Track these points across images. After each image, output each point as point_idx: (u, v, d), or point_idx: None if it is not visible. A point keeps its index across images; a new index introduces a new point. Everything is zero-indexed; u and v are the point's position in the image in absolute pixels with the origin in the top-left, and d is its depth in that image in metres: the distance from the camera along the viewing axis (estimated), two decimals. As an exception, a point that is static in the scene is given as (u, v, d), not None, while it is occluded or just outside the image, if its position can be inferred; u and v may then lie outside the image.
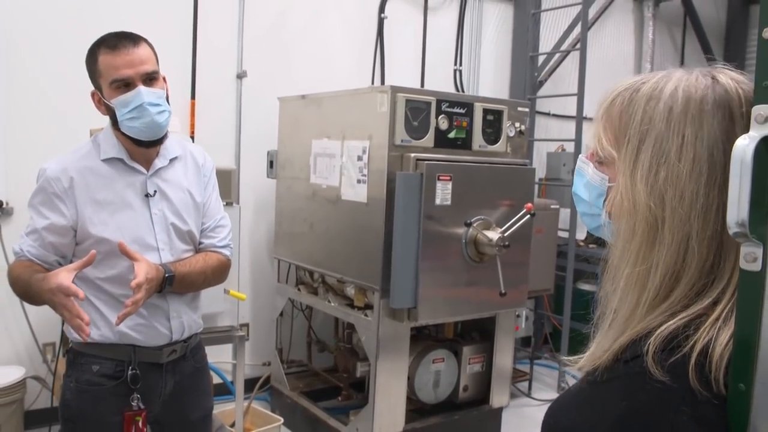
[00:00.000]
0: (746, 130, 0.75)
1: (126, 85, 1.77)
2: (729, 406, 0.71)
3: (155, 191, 1.89)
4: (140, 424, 1.84)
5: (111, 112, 1.82)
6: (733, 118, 0.78)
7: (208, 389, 2.14)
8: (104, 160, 1.85)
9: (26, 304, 3.46)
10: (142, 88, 1.77)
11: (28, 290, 1.76)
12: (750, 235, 0.67)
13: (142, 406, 1.85)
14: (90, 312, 1.81)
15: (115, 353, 1.85)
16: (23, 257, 1.84)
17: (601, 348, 0.83)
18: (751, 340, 0.69)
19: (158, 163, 1.91)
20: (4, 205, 3.45)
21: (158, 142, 1.87)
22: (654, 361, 0.73)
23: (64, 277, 1.60)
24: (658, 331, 0.76)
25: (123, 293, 1.80)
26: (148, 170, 1.89)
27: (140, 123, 1.79)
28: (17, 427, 3.29)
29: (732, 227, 0.68)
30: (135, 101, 1.77)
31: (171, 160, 1.95)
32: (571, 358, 0.87)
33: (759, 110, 0.67)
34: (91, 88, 1.86)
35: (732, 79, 0.81)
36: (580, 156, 0.95)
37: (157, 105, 1.80)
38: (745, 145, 0.67)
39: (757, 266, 0.68)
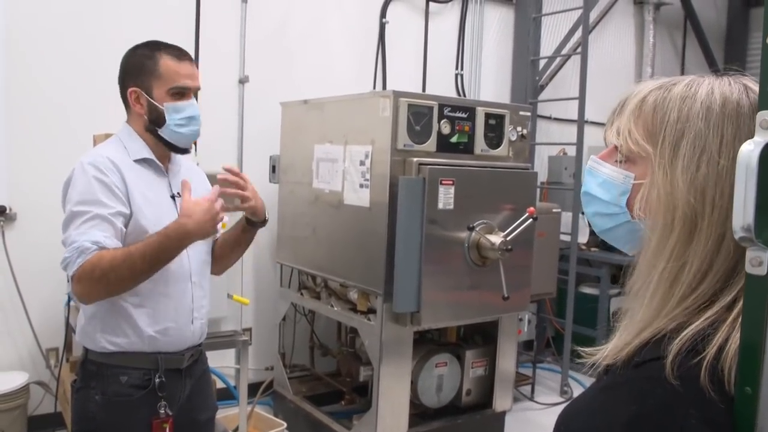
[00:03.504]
0: None
1: (181, 94, 1.85)
2: (736, 409, 0.71)
3: (178, 193, 1.93)
4: (167, 430, 1.84)
5: (153, 115, 1.85)
6: None
7: (213, 390, 2.18)
8: (135, 161, 1.86)
9: (30, 309, 3.48)
10: (195, 102, 1.89)
11: (148, 260, 1.70)
12: (755, 239, 0.68)
13: (170, 413, 1.86)
14: (119, 318, 1.82)
15: (142, 362, 1.84)
16: (94, 251, 1.67)
17: (622, 341, 0.82)
18: (757, 343, 0.69)
19: (173, 166, 1.97)
20: (8, 210, 3.46)
21: (187, 151, 1.96)
22: (672, 365, 0.73)
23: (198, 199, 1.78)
24: (681, 335, 0.76)
25: (159, 290, 1.83)
26: (167, 173, 1.95)
27: (187, 131, 1.87)
28: (20, 433, 3.30)
29: (737, 232, 0.69)
30: (189, 111, 1.87)
31: (179, 165, 2.01)
32: (589, 349, 0.87)
33: (764, 116, 0.68)
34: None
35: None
36: (592, 156, 0.93)
37: (200, 119, 1.92)
38: (750, 150, 0.67)
39: (762, 270, 0.68)
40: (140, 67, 1.85)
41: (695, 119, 0.81)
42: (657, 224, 0.82)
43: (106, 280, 1.68)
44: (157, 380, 1.84)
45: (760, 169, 0.67)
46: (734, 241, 0.76)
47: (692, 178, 0.79)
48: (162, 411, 1.84)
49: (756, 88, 0.82)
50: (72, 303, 3.20)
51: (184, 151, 1.94)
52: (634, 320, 0.83)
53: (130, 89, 1.87)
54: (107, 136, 2.95)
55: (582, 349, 0.88)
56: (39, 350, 3.58)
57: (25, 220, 3.50)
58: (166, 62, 1.84)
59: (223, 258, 2.14)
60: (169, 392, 1.87)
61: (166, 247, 1.73)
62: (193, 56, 3.85)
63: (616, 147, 0.89)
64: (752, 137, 0.77)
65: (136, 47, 1.90)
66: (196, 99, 1.91)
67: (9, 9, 3.43)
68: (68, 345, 3.35)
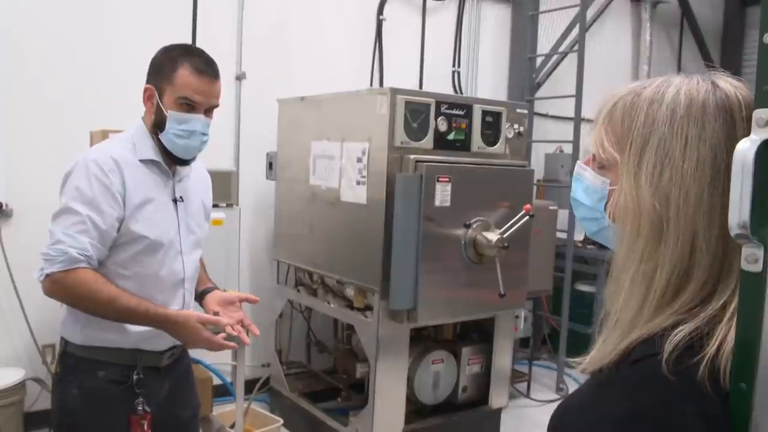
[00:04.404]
0: (747, 133, 0.76)
1: (189, 106, 1.82)
2: (731, 405, 0.72)
3: (181, 197, 1.93)
4: (145, 427, 1.85)
5: (158, 118, 1.84)
6: (734, 121, 0.80)
7: (195, 388, 2.18)
8: (141, 161, 1.86)
9: (26, 306, 3.47)
10: (202, 118, 1.84)
11: (123, 317, 1.76)
12: (751, 236, 0.68)
13: (148, 410, 1.86)
14: (100, 318, 1.81)
15: (121, 358, 1.85)
16: (83, 263, 1.72)
17: (606, 347, 0.83)
18: (752, 340, 0.70)
19: (181, 170, 1.95)
20: (4, 207, 3.45)
21: (186, 162, 1.92)
22: (668, 361, 0.74)
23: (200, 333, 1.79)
24: (676, 332, 0.76)
25: (150, 296, 1.83)
26: (173, 176, 1.93)
27: (184, 143, 1.84)
28: (17, 429, 3.29)
29: (733, 229, 0.69)
30: (191, 125, 1.83)
31: (189, 168, 1.99)
32: (576, 359, 0.88)
33: (760, 113, 0.68)
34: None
35: (731, 85, 0.83)
36: (577, 162, 0.95)
37: (205, 135, 1.87)
38: (746, 148, 0.68)
39: (758, 267, 0.69)
40: (160, 68, 1.85)
41: (660, 124, 0.82)
42: (625, 229, 0.84)
43: (78, 302, 1.77)
44: (135, 377, 1.85)
45: (756, 166, 0.67)
46: (710, 242, 0.78)
47: (656, 183, 0.80)
48: (140, 408, 1.85)
49: (724, 85, 0.82)
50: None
51: (182, 162, 1.91)
52: (614, 325, 0.85)
53: (146, 86, 1.87)
54: (104, 132, 2.96)
55: (573, 359, 0.89)
56: (35, 346, 3.57)
57: (21, 216, 3.49)
58: (184, 72, 1.81)
59: None
60: (147, 389, 1.87)
61: (142, 322, 1.79)
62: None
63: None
64: (717, 137, 0.79)
65: (169, 48, 1.88)
66: (207, 115, 1.87)
67: (8, 7, 3.41)
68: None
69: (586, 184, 0.92)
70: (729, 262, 0.78)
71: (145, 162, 1.86)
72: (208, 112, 1.88)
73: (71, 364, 1.87)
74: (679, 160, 0.80)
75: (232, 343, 1.86)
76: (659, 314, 0.81)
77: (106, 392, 1.83)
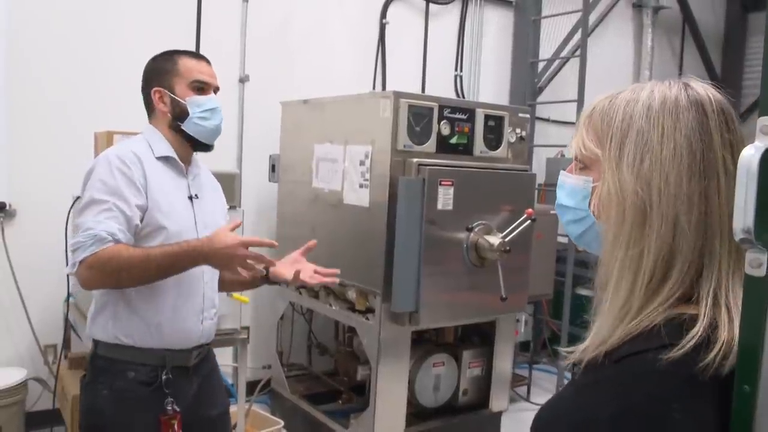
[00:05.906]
0: (719, 125, 0.84)
1: (201, 89, 1.94)
2: (734, 407, 0.73)
3: (196, 194, 1.97)
4: (176, 427, 1.86)
5: (177, 111, 1.92)
6: (706, 113, 0.85)
7: (223, 387, 2.19)
8: (158, 158, 1.90)
9: (28, 306, 3.49)
10: (214, 96, 1.97)
11: (163, 268, 1.75)
12: (755, 241, 0.69)
13: (177, 409, 1.87)
14: (127, 313, 1.84)
15: (150, 358, 1.87)
16: (110, 243, 1.71)
17: (597, 337, 0.85)
18: (756, 343, 0.71)
19: (193, 169, 2.01)
20: (7, 207, 3.46)
21: (210, 147, 2.00)
22: (655, 359, 0.75)
23: (233, 234, 1.77)
24: (688, 337, 0.77)
25: (170, 286, 1.85)
26: (187, 174, 1.98)
27: (210, 124, 1.94)
28: (18, 429, 3.30)
29: (738, 234, 0.70)
30: (210, 104, 1.95)
31: (199, 168, 2.05)
32: (568, 349, 0.89)
33: (764, 121, 0.70)
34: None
35: (701, 86, 0.88)
36: (561, 171, 0.99)
37: (221, 113, 1.98)
38: (751, 155, 0.69)
39: (761, 272, 0.70)
40: (161, 70, 1.95)
41: (637, 118, 0.87)
42: (610, 218, 0.87)
43: (117, 275, 1.73)
44: (164, 377, 1.86)
45: (760, 173, 0.69)
46: (690, 224, 0.81)
47: (637, 170, 0.85)
48: (169, 408, 1.86)
49: (695, 85, 0.88)
50: (71, 300, 3.21)
51: (207, 147, 1.98)
52: (606, 314, 0.87)
53: (153, 90, 1.93)
54: (109, 134, 2.97)
55: (563, 349, 0.91)
56: (37, 346, 3.58)
57: (25, 217, 3.50)
58: (185, 61, 1.95)
59: (223, 282, 2.14)
60: (176, 389, 1.89)
61: (181, 260, 1.77)
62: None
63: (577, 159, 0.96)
64: (691, 126, 0.84)
65: (156, 55, 1.99)
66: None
67: (11, 6, 3.43)
68: (67, 341, 3.35)
69: (569, 188, 0.96)
70: (711, 244, 0.82)
71: (161, 159, 1.91)
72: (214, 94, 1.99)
73: (101, 366, 1.88)
74: (657, 148, 0.84)
75: (270, 259, 1.94)
76: (649, 304, 0.83)
77: (136, 393, 1.85)
